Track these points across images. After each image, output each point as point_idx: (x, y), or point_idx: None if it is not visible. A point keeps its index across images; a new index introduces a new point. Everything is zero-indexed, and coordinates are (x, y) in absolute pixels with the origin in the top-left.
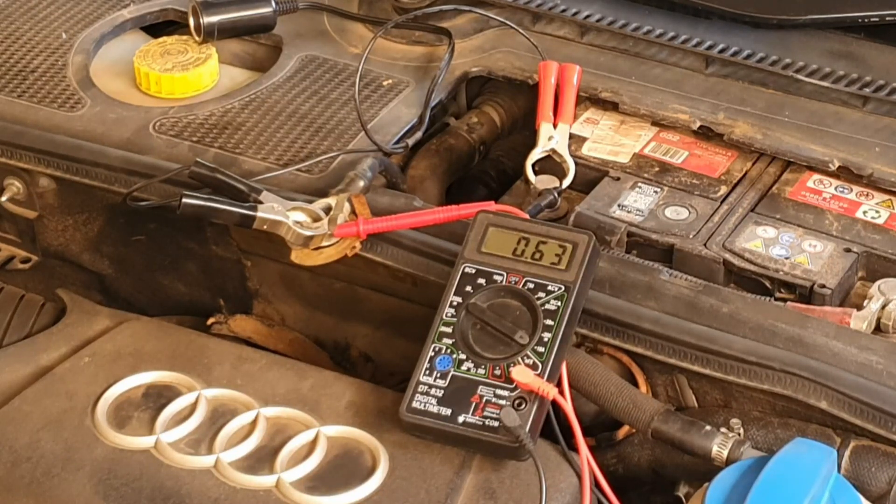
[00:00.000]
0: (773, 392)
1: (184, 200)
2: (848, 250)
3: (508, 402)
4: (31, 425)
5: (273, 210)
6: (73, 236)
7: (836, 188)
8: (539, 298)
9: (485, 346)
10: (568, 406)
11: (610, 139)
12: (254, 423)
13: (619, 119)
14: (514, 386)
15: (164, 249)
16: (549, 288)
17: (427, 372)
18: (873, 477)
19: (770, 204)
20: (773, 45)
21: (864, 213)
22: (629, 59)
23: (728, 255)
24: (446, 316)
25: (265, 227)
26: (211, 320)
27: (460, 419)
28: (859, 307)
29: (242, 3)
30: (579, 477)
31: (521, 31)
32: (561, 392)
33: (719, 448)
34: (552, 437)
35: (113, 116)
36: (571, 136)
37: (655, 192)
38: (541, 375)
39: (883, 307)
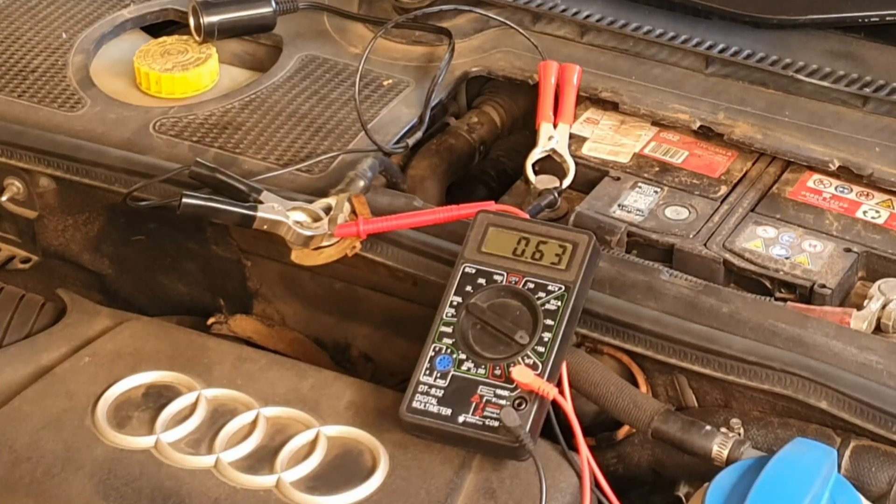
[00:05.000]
0: (773, 392)
1: (184, 200)
2: (848, 250)
3: (508, 402)
4: (31, 425)
5: (273, 210)
6: (73, 236)
7: (836, 188)
8: (539, 298)
9: (485, 345)
10: (568, 406)
11: (610, 139)
12: (254, 423)
13: (619, 119)
14: (514, 386)
15: (164, 249)
16: (550, 288)
17: (427, 372)
18: (873, 477)
19: (770, 204)
20: (773, 45)
21: (864, 213)
22: (629, 59)
23: (728, 255)
24: (446, 316)
25: (265, 227)
26: (211, 320)
27: (460, 419)
28: (859, 307)
29: (242, 3)
30: (579, 477)
31: (521, 31)
32: (561, 392)
33: (719, 448)
34: (552, 437)
35: (113, 116)
36: (571, 136)
37: (655, 192)
38: (541, 375)
39: (883, 307)
